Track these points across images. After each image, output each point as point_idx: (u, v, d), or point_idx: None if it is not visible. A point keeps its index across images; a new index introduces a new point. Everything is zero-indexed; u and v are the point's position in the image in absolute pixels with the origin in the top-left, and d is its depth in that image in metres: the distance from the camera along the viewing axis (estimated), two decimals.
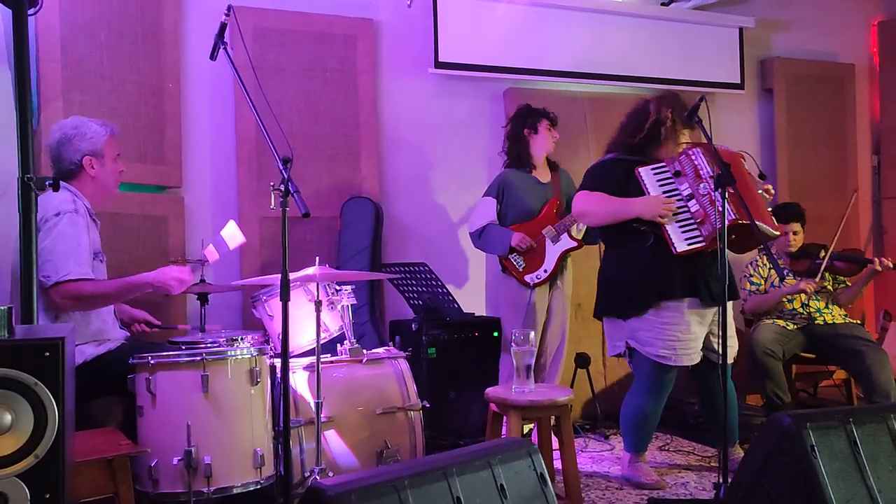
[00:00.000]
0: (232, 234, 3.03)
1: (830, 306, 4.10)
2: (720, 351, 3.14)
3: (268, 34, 4.06)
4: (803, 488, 1.98)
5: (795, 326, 4.03)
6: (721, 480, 2.63)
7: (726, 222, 2.74)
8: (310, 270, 2.70)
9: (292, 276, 2.73)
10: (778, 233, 3.14)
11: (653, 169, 3.13)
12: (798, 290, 3.93)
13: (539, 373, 3.87)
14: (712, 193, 2.96)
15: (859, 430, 2.02)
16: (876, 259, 3.99)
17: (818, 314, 4.04)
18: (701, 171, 3.04)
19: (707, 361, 3.19)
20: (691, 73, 4.93)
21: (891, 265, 3.99)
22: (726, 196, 2.73)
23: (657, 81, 4.86)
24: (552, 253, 3.80)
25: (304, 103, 4.13)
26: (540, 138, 3.89)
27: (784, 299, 4.06)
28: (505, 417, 2.73)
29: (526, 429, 3.96)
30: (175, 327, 3.35)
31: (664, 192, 3.07)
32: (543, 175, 3.95)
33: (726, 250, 2.70)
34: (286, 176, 2.29)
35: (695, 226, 3.01)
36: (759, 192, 3.14)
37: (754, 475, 2.14)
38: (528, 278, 3.79)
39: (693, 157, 3.08)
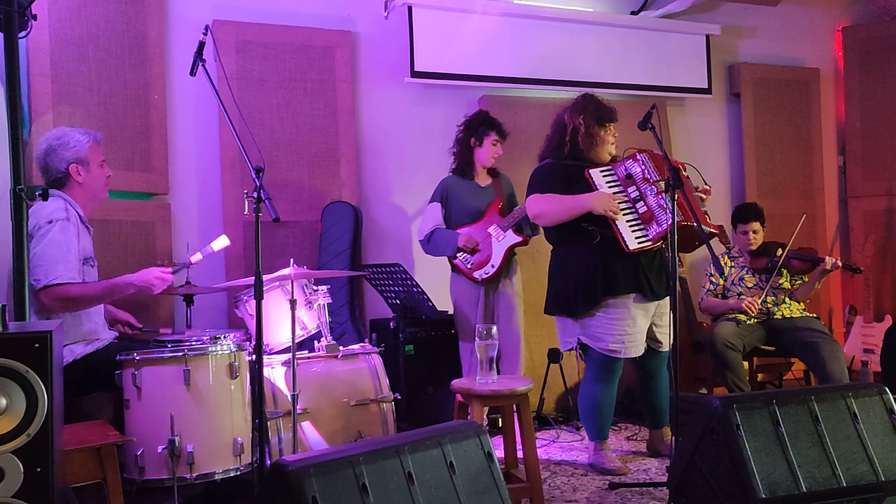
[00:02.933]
0: (220, 242, 3.21)
1: (789, 301, 4.29)
2: (661, 340, 3.42)
3: (251, 47, 4.25)
4: (730, 464, 2.16)
5: (755, 320, 4.21)
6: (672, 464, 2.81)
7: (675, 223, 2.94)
8: (285, 271, 2.88)
9: (270, 276, 2.92)
10: (716, 231, 3.34)
11: (601, 171, 3.32)
12: (740, 308, 4.14)
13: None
14: (660, 196, 3.15)
15: (782, 411, 2.21)
16: (826, 258, 4.18)
17: (776, 308, 4.23)
18: (647, 175, 3.23)
19: (648, 349, 3.42)
20: (660, 79, 5.13)
21: (840, 264, 4.17)
22: (675, 199, 2.93)
23: (627, 87, 5.06)
24: (498, 249, 3.95)
25: (286, 112, 4.32)
26: (483, 151, 4.04)
27: (744, 294, 4.27)
28: (469, 406, 2.91)
29: (500, 422, 4.15)
30: (156, 331, 3.53)
31: (613, 194, 3.27)
32: (483, 180, 4.11)
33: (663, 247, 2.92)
34: (258, 184, 2.47)
35: (642, 226, 3.20)
36: (696, 193, 3.33)
37: (690, 454, 2.33)
38: (476, 275, 3.95)
39: (640, 162, 3.27)
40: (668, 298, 3.40)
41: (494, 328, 2.96)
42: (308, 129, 4.36)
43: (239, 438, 2.73)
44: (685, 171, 3.36)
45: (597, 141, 3.40)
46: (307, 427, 3.02)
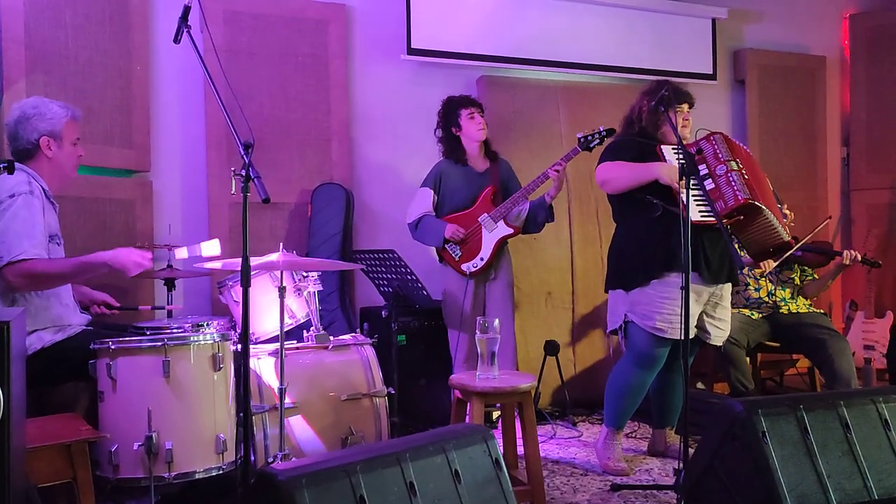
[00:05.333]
0: (211, 248, 3.02)
1: (796, 296, 4.15)
2: (710, 332, 3.28)
3: (239, 17, 4.03)
4: (755, 473, 2.01)
5: (760, 315, 4.08)
6: (681, 466, 2.66)
7: (741, 199, 2.95)
8: (273, 257, 2.69)
9: (256, 261, 2.72)
10: (789, 238, 3.19)
11: (673, 148, 3.19)
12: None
13: None
14: (729, 174, 3.03)
15: (809, 417, 2.06)
16: (844, 252, 4.03)
17: (783, 303, 4.10)
18: (719, 154, 3.10)
19: (693, 340, 3.24)
20: (665, 63, 4.95)
21: (858, 258, 4.04)
22: (689, 185, 2.78)
23: (631, 71, 4.88)
24: (488, 241, 3.78)
25: (276, 88, 4.11)
26: (466, 130, 3.83)
27: (751, 288, 4.13)
28: (468, 404, 2.74)
29: (495, 415, 4.00)
30: (136, 308, 3.33)
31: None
32: (480, 165, 3.91)
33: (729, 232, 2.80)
34: (247, 161, 2.27)
35: (707, 203, 3.05)
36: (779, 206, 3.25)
37: (707, 460, 2.17)
38: (464, 267, 3.77)
39: (713, 142, 3.15)
40: (727, 288, 3.28)
41: (497, 321, 2.80)
42: (298, 106, 4.15)
43: (221, 435, 2.54)
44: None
45: (661, 120, 3.25)
46: (296, 423, 2.83)
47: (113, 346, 2.45)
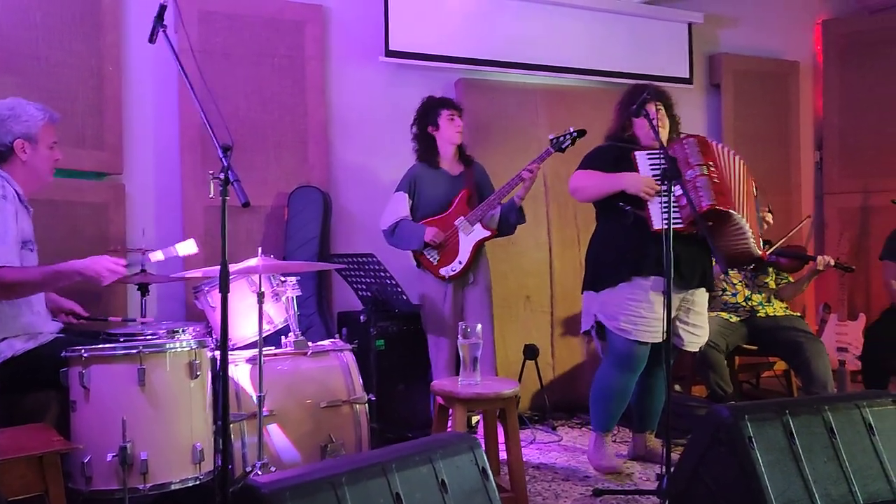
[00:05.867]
0: (187, 247, 2.95)
1: (772, 300, 4.18)
2: (682, 337, 3.28)
3: (214, 18, 3.96)
4: (741, 479, 2.00)
5: (738, 319, 4.10)
6: (664, 471, 2.65)
7: (704, 206, 2.97)
8: (252, 261, 2.64)
9: (234, 267, 2.66)
10: (759, 250, 3.20)
11: (648, 154, 3.20)
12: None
13: None
14: (696, 180, 3.05)
15: (795, 422, 2.06)
16: (818, 258, 4.07)
17: (760, 307, 4.12)
18: (690, 160, 3.11)
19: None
20: (642, 67, 4.96)
21: (832, 263, 4.08)
22: (671, 190, 2.77)
23: (608, 74, 4.89)
24: (466, 244, 3.74)
25: (252, 89, 4.04)
26: (443, 131, 3.79)
27: (728, 293, 4.15)
28: (451, 410, 2.71)
29: (474, 420, 3.96)
30: (105, 319, 3.24)
31: (654, 176, 3.13)
32: (454, 168, 3.87)
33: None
34: (226, 164, 2.22)
35: (677, 209, 3.07)
36: (758, 213, 3.26)
37: (694, 466, 2.16)
38: (443, 272, 3.73)
39: (685, 147, 3.16)
40: (701, 294, 3.28)
41: (479, 326, 2.77)
42: (275, 108, 4.09)
43: (199, 444, 2.47)
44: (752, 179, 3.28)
45: (636, 124, 3.29)
46: (274, 431, 2.78)
47: (86, 354, 2.37)
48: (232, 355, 2.89)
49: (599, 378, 3.33)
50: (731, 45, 5.43)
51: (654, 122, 3.09)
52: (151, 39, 2.55)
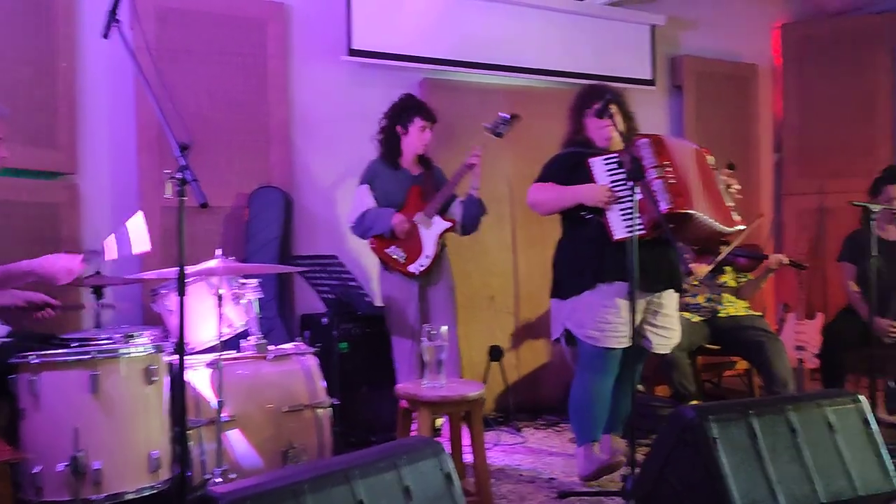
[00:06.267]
0: (138, 231, 2.86)
1: (733, 299, 4.22)
2: (651, 339, 3.21)
3: (172, 14, 3.87)
4: (706, 480, 2.00)
5: (701, 319, 4.13)
6: (629, 472, 2.65)
7: (663, 210, 2.91)
8: (211, 263, 2.57)
9: (193, 269, 2.60)
10: (733, 228, 3.15)
11: (603, 159, 3.14)
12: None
13: None
14: (652, 184, 3.00)
15: (759, 422, 2.06)
16: (771, 256, 4.13)
17: (721, 307, 4.16)
18: (645, 162, 3.04)
19: (637, 347, 3.17)
20: (605, 69, 4.98)
21: (785, 261, 4.13)
22: (634, 190, 2.77)
23: (572, 76, 4.89)
24: (429, 238, 3.70)
25: (212, 88, 3.96)
26: (411, 138, 3.76)
27: (688, 294, 4.18)
28: (415, 414, 2.67)
29: (438, 422, 3.93)
30: (80, 304, 3.14)
31: (612, 182, 3.08)
32: (415, 169, 3.84)
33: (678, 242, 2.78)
34: (183, 163, 2.15)
35: (638, 214, 2.98)
36: (723, 186, 3.19)
37: (659, 467, 2.16)
38: (411, 268, 3.68)
39: (640, 149, 3.08)
40: (669, 296, 3.23)
41: (444, 328, 2.74)
42: (236, 107, 4.01)
43: (155, 452, 2.41)
44: (708, 155, 3.23)
45: (586, 126, 3.26)
46: (234, 437, 2.71)
47: (35, 361, 2.29)
48: (190, 360, 2.82)
49: (576, 389, 3.23)
50: (692, 48, 5.49)
51: (606, 124, 3.10)
52: (105, 34, 2.47)
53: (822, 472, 2.07)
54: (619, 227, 3.04)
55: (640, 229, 2.96)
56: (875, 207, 3.66)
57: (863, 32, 5.56)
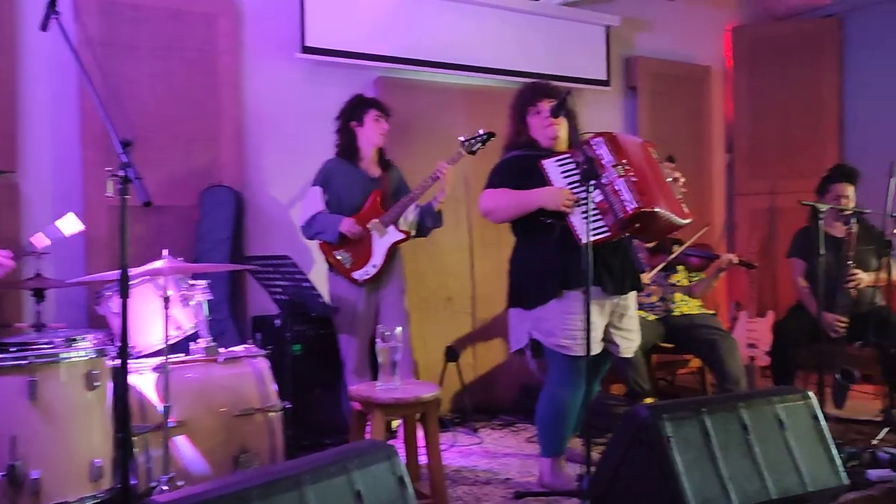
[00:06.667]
0: (69, 224, 2.75)
1: (687, 298, 4.26)
2: (618, 343, 3.13)
3: (118, 8, 3.76)
4: (660, 479, 2.00)
5: (655, 317, 4.16)
6: (583, 472, 2.64)
7: (628, 210, 2.80)
8: (157, 264, 2.49)
9: (137, 270, 2.52)
10: (686, 221, 3.05)
11: (557, 161, 3.02)
12: None
13: None
14: (615, 183, 2.88)
15: (711, 420, 2.07)
16: (722, 256, 4.18)
17: (675, 306, 4.19)
18: (603, 161, 2.93)
19: (604, 352, 3.13)
20: (561, 69, 4.99)
21: (735, 260, 4.19)
22: (589, 190, 2.74)
23: (528, 76, 4.87)
24: (380, 247, 3.66)
25: (160, 84, 3.86)
26: (367, 130, 3.73)
27: (642, 293, 4.20)
28: (369, 416, 2.63)
29: (394, 424, 3.89)
30: (8, 325, 3.02)
31: (569, 184, 2.96)
32: (373, 170, 3.80)
33: (634, 239, 2.71)
34: (125, 160, 2.08)
35: (600, 216, 2.91)
36: (670, 179, 3.11)
37: (614, 467, 2.15)
38: (356, 275, 3.64)
39: (595, 147, 2.97)
40: (632, 297, 3.18)
41: (398, 329, 2.70)
42: (185, 104, 3.92)
43: (98, 460, 2.33)
44: (654, 148, 3.16)
45: (529, 126, 3.15)
46: (182, 442, 2.63)
47: None
48: (136, 364, 2.74)
49: (546, 401, 3.13)
50: (646, 49, 5.54)
51: (549, 122, 3.04)
52: (43, 27, 2.38)
53: (773, 469, 2.09)
54: (584, 231, 2.84)
55: (605, 231, 2.89)
56: (823, 206, 3.73)
57: (810, 35, 5.69)
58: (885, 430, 3.63)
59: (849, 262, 4.07)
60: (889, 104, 5.40)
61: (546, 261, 3.04)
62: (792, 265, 4.48)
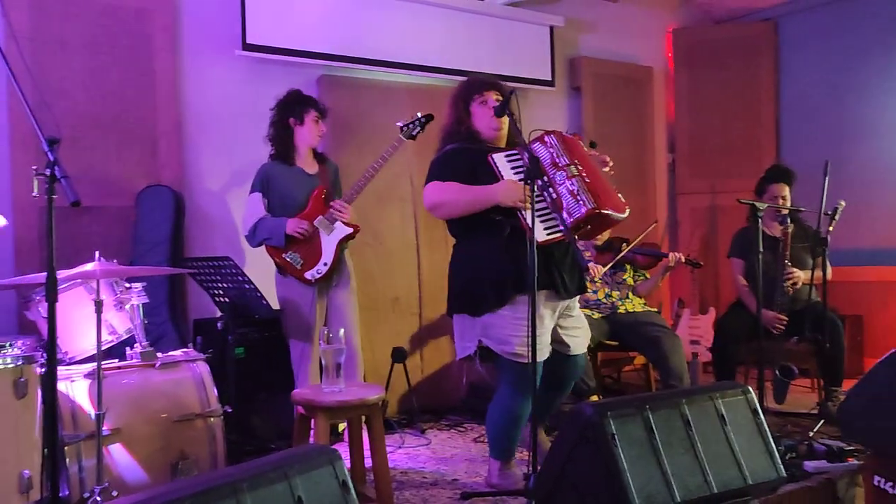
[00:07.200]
0: None
1: (631, 296, 4.31)
2: (569, 344, 3.06)
3: (47, 3, 3.64)
4: (605, 476, 2.01)
5: (600, 315, 4.19)
6: (530, 470, 2.63)
7: (583, 211, 2.73)
8: (88, 266, 2.40)
9: (66, 272, 2.42)
10: (626, 214, 2.98)
11: (506, 155, 2.93)
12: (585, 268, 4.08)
13: None
14: (571, 181, 2.82)
15: (655, 417, 2.09)
16: (670, 254, 4.24)
17: (620, 304, 4.24)
18: (556, 160, 2.87)
19: (555, 354, 3.04)
20: (506, 69, 4.98)
21: (683, 259, 4.25)
22: (534, 190, 2.71)
23: (473, 75, 4.88)
24: (328, 244, 3.61)
25: (92, 82, 3.74)
26: (305, 131, 3.67)
27: (589, 291, 4.24)
28: (312, 420, 2.58)
29: (341, 427, 3.83)
30: None
31: (519, 180, 2.81)
32: (310, 166, 3.74)
33: (576, 239, 2.68)
34: (52, 159, 1.99)
35: (552, 215, 2.82)
36: (606, 169, 3.05)
37: (560, 465, 2.15)
38: (308, 275, 3.58)
39: (548, 145, 2.91)
40: (575, 298, 3.12)
41: (342, 331, 2.66)
42: (119, 102, 3.80)
43: (26, 472, 2.22)
44: (582, 140, 3.10)
45: (473, 114, 3.07)
46: (118, 451, 2.54)
47: None
48: (68, 370, 2.65)
49: (499, 408, 3.02)
50: (590, 49, 5.59)
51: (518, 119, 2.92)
52: None
53: (714, 463, 2.11)
54: (539, 229, 2.78)
55: (559, 231, 2.80)
56: (761, 205, 3.81)
57: (747, 38, 5.83)
58: (821, 422, 3.72)
59: (786, 261, 4.18)
60: (822, 106, 5.58)
61: (496, 263, 2.89)
62: (732, 264, 4.57)
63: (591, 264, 4.13)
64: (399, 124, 3.69)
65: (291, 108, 3.66)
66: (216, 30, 4.12)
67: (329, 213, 3.61)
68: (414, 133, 3.68)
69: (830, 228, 3.94)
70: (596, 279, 4.17)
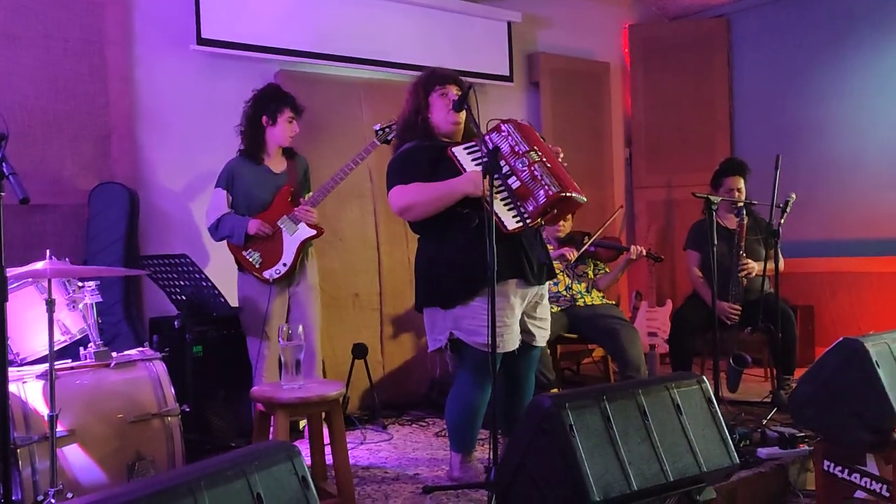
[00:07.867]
0: None
1: (591, 289, 4.36)
2: (534, 333, 3.06)
3: None
4: (563, 467, 2.03)
5: (559, 309, 4.23)
6: (490, 463, 2.65)
7: (550, 194, 2.71)
8: (38, 265, 2.35)
9: (18, 271, 2.37)
10: (584, 198, 2.94)
11: (465, 148, 2.92)
12: (560, 254, 4.12)
13: None
14: (533, 167, 2.81)
15: (612, 407, 2.11)
16: (632, 248, 4.29)
17: (580, 297, 4.29)
18: (516, 148, 2.86)
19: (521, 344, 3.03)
20: (465, 64, 4.98)
21: (644, 253, 4.32)
22: (493, 183, 2.72)
23: None
24: (290, 244, 3.59)
25: (41, 76, 3.66)
26: (278, 131, 3.62)
27: (551, 282, 4.28)
28: (272, 417, 2.57)
29: (302, 424, 3.82)
30: None
31: (483, 171, 2.78)
32: (277, 165, 3.70)
33: (539, 225, 2.69)
34: (0, 155, 1.95)
35: (518, 203, 2.80)
36: (560, 157, 3.02)
37: (519, 457, 2.17)
38: (266, 274, 3.56)
39: (505, 134, 2.90)
40: (546, 287, 3.11)
41: (301, 327, 2.64)
42: (70, 97, 3.72)
43: None
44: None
45: (431, 105, 3.05)
46: (72, 452, 2.50)
47: None
48: (20, 371, 2.59)
49: (461, 400, 3.03)
50: (548, 45, 5.63)
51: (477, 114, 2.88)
52: None
53: (670, 451, 2.15)
54: (508, 217, 2.79)
55: (527, 218, 2.78)
56: (715, 198, 3.89)
57: (701, 35, 5.94)
58: (774, 410, 3.82)
59: (741, 252, 4.27)
60: (773, 100, 5.70)
61: (468, 255, 2.87)
62: (688, 257, 4.65)
63: (565, 249, 4.15)
64: (376, 128, 3.67)
65: (266, 104, 3.60)
66: (170, 24, 4.06)
67: (293, 213, 3.58)
68: (390, 137, 3.62)
69: (782, 221, 4.03)
70: (566, 267, 4.20)
